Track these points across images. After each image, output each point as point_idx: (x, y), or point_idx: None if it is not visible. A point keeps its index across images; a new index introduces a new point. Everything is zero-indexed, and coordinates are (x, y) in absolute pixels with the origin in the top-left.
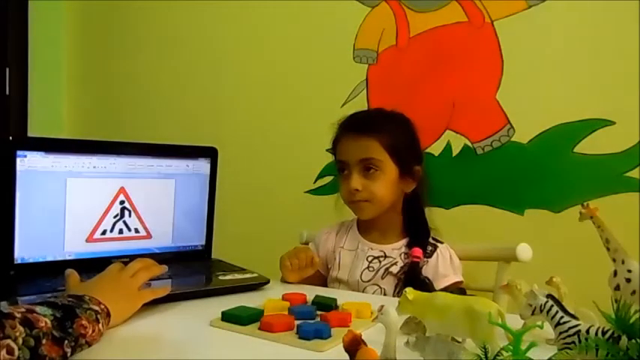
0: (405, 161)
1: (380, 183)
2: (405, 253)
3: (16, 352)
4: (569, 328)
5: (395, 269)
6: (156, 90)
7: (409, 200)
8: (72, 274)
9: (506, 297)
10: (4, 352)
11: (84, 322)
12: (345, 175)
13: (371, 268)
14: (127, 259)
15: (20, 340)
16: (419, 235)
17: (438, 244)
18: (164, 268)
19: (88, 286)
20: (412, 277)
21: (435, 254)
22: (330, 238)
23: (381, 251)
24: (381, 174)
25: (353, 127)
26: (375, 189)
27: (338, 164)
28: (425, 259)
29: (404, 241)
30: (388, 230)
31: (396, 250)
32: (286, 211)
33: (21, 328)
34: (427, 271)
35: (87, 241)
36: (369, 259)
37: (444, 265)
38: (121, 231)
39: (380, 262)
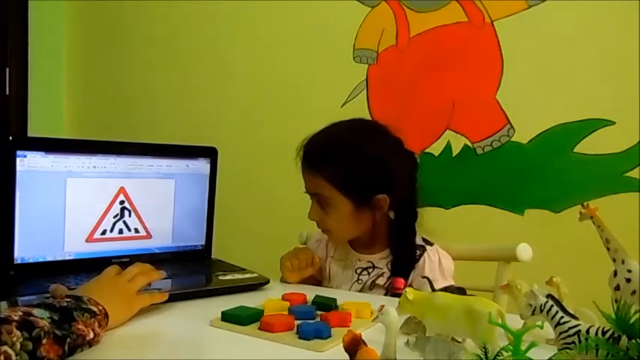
0: (359, 194)
1: (334, 217)
2: (392, 262)
3: (14, 358)
4: (569, 328)
5: (382, 281)
6: (156, 90)
7: (396, 214)
8: (58, 287)
9: (506, 297)
10: (1, 358)
11: (80, 325)
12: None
13: (360, 281)
14: (126, 259)
15: (18, 345)
16: (402, 257)
17: (427, 247)
18: (162, 274)
19: (86, 289)
20: None
21: (422, 259)
22: (321, 246)
23: (369, 262)
24: (333, 209)
25: (304, 157)
26: (329, 223)
27: None
28: (414, 266)
29: (389, 250)
30: (375, 240)
31: (383, 259)
32: (286, 211)
33: (18, 333)
34: (415, 276)
35: (87, 241)
36: (358, 270)
37: (431, 270)
38: (120, 231)
39: (369, 273)
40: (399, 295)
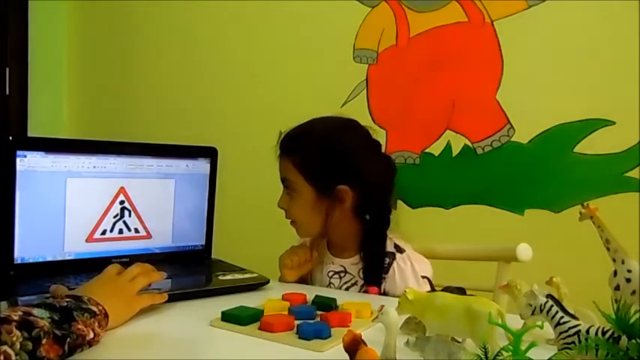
0: (321, 182)
1: (296, 204)
2: (363, 269)
3: (14, 358)
4: (569, 328)
5: (355, 289)
6: (156, 90)
7: (366, 221)
8: (58, 287)
9: (506, 297)
10: (1, 357)
11: (80, 325)
12: None
13: (331, 285)
14: (126, 259)
15: (17, 345)
16: (373, 263)
17: (397, 255)
18: (163, 275)
19: (87, 288)
20: None
21: (391, 269)
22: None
23: (341, 266)
24: (297, 195)
25: (279, 145)
26: (293, 210)
27: None
28: (383, 276)
29: (361, 255)
30: (345, 243)
31: (354, 265)
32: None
33: (18, 333)
34: (387, 288)
35: (87, 241)
36: (330, 274)
37: (402, 279)
38: (120, 231)
39: (340, 277)
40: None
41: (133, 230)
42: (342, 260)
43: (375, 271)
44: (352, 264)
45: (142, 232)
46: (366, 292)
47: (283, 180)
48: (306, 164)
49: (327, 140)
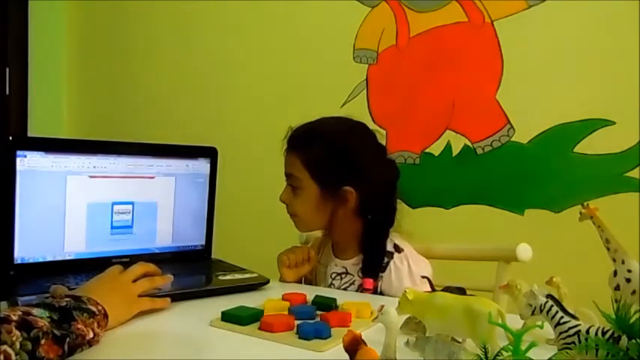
0: (326, 181)
1: (300, 200)
2: (362, 264)
3: (14, 358)
4: (569, 328)
5: (353, 289)
6: (156, 90)
7: (368, 220)
8: (58, 288)
9: (506, 297)
10: (1, 357)
11: (80, 325)
12: None
13: (332, 286)
14: (126, 259)
15: (17, 345)
16: (372, 259)
17: (395, 254)
18: (168, 279)
19: (87, 288)
20: None
21: (388, 268)
22: (315, 250)
23: (343, 267)
24: (301, 191)
25: (287, 140)
26: (295, 205)
27: None
28: (380, 275)
29: (362, 256)
30: (347, 244)
31: (355, 265)
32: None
33: (17, 333)
34: (383, 287)
35: (86, 240)
36: (333, 275)
37: (398, 279)
38: (121, 229)
39: (341, 279)
40: None
41: (133, 228)
42: (344, 262)
43: (372, 266)
44: (353, 264)
45: (142, 232)
46: (361, 285)
47: (288, 175)
48: (313, 162)
49: (336, 140)
